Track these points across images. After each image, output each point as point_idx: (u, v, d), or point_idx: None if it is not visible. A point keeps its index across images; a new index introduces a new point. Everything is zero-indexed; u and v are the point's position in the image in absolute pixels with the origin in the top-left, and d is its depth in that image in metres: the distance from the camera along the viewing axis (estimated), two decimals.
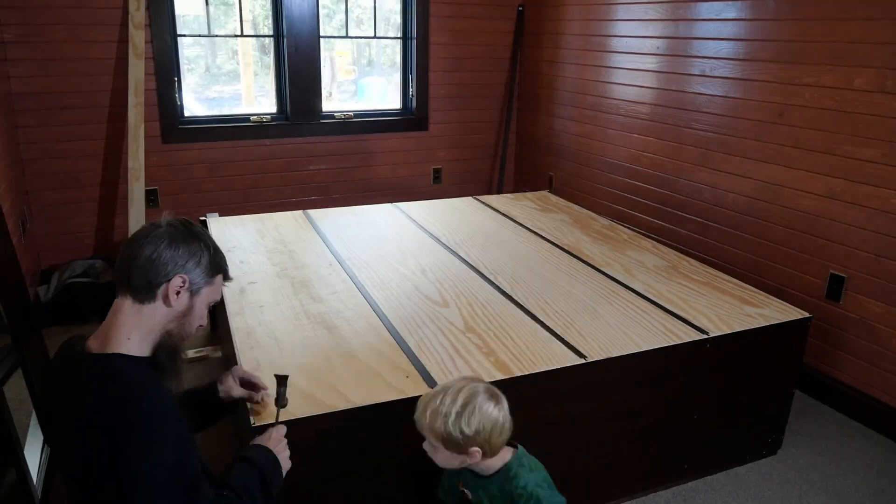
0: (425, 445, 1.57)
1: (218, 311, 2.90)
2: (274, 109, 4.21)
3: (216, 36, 3.98)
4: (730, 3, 3.11)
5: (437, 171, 4.69)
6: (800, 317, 2.31)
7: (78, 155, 3.67)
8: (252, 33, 4.10)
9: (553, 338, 2.09)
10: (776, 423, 2.46)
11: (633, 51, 3.73)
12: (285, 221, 3.22)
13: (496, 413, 1.51)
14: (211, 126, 3.98)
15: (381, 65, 4.61)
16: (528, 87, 4.72)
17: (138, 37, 3.54)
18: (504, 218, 3.35)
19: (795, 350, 2.36)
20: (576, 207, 3.61)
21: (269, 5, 4.02)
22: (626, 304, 2.35)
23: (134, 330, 1.26)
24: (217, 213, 3.34)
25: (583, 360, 1.96)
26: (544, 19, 4.45)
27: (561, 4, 4.28)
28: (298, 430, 1.64)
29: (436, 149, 4.65)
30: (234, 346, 2.00)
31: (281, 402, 1.59)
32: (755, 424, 2.39)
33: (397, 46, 4.50)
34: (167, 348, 1.33)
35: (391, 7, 4.40)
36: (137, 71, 3.55)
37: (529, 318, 2.23)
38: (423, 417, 1.53)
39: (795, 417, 2.63)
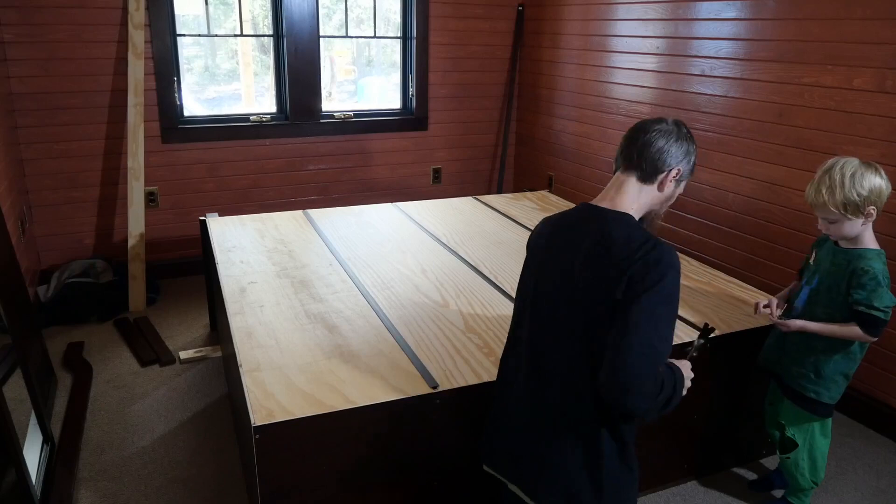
0: (820, 225, 1.89)
1: (218, 311, 2.91)
2: (274, 109, 4.21)
3: (216, 36, 3.98)
4: (730, 2, 3.11)
5: (436, 171, 4.69)
6: None
7: (78, 155, 3.67)
8: (252, 33, 4.10)
9: None
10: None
11: (633, 51, 3.73)
12: (285, 221, 3.22)
13: (877, 177, 1.82)
14: (211, 126, 3.98)
15: (380, 64, 4.61)
16: (528, 87, 4.72)
17: (138, 37, 3.55)
18: (504, 218, 3.35)
19: None
20: None
21: (268, 5, 4.02)
22: None
23: (634, 203, 1.49)
24: (217, 213, 3.34)
25: None
26: (544, 19, 4.45)
27: (561, 4, 4.28)
28: (298, 429, 1.64)
29: (435, 149, 4.65)
30: (234, 345, 2.00)
31: (694, 350, 1.72)
32: (755, 424, 2.39)
33: (397, 46, 4.50)
34: (646, 223, 1.56)
35: (391, 7, 4.40)
36: (137, 71, 3.56)
37: None
38: (819, 197, 1.85)
39: None
